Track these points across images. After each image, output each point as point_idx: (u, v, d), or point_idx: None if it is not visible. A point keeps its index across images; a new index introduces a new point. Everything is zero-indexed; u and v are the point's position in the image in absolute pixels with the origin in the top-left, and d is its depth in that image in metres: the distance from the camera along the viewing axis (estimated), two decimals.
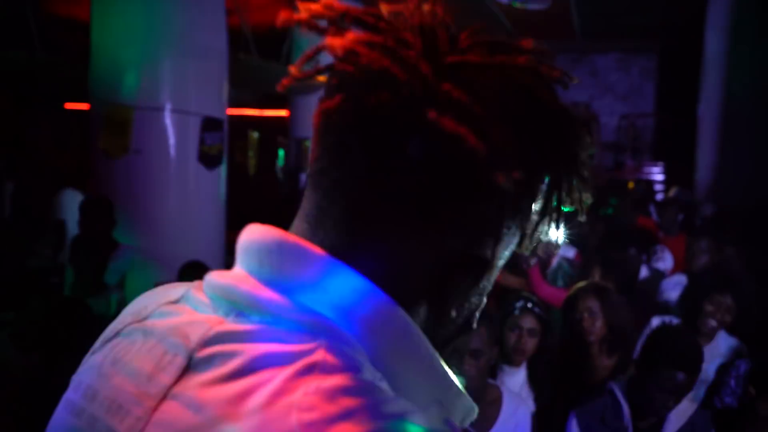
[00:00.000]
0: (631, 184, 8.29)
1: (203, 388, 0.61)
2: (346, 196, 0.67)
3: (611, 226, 5.92)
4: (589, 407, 2.92)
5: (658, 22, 10.75)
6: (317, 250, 0.66)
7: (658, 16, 10.28)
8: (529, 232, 0.72)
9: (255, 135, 5.84)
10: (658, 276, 4.96)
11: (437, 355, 0.69)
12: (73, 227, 4.51)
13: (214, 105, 5.02)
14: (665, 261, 5.22)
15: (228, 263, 5.29)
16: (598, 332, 3.24)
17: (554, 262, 4.64)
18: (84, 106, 5.34)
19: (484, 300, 0.75)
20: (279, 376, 0.59)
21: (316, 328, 0.62)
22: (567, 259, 4.69)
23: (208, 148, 4.89)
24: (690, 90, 9.75)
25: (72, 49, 5.73)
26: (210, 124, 4.89)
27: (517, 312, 3.17)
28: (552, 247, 4.42)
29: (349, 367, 0.60)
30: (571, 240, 4.66)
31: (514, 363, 3.18)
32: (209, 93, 5.01)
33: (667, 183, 10.58)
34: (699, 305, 3.63)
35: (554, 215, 0.72)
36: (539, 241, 0.73)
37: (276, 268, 0.67)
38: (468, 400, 0.73)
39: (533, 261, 4.43)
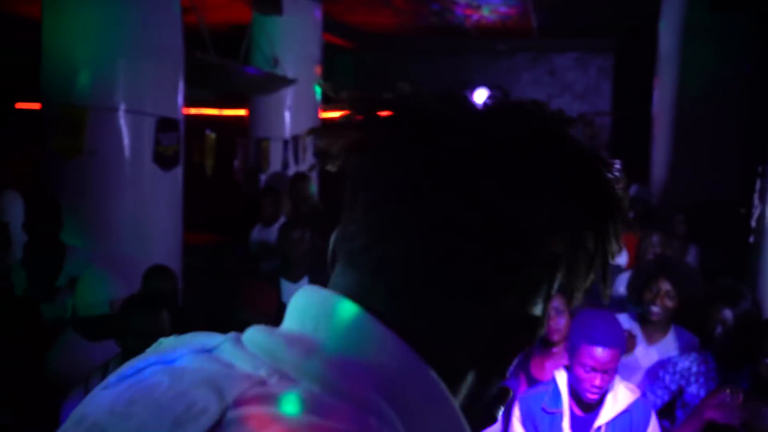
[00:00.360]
0: None
1: None
2: (397, 272, 0.65)
3: None
4: (531, 395, 2.99)
5: (614, 22, 10.91)
6: (379, 323, 0.63)
7: (613, 16, 10.43)
8: (579, 286, 0.72)
9: (212, 135, 5.78)
10: (615, 271, 5.03)
11: None
12: (14, 229, 4.42)
13: (170, 105, 4.96)
14: (621, 256, 5.30)
15: (185, 265, 5.25)
16: (563, 330, 3.28)
17: None
18: (35, 106, 5.25)
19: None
20: None
21: (366, 407, 0.59)
22: None
23: (164, 149, 4.83)
24: (645, 89, 9.90)
25: (23, 48, 5.63)
26: (165, 125, 4.84)
27: None
28: None
29: None
30: None
31: None
32: (165, 93, 4.95)
33: (624, 181, 10.72)
34: (641, 295, 3.71)
35: (602, 264, 0.72)
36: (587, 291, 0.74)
37: (333, 334, 0.64)
38: None
39: None
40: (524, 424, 2.97)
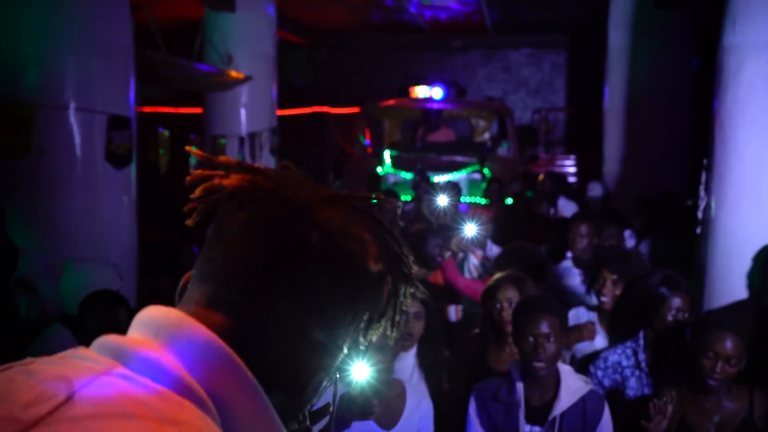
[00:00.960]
0: (540, 177, 8.51)
1: (73, 423, 0.67)
2: (242, 288, 0.80)
3: (522, 219, 6.07)
4: (486, 386, 3.03)
5: (565, 18, 11.07)
6: (208, 332, 0.77)
7: (563, 12, 10.58)
8: (374, 328, 0.88)
9: (165, 133, 5.72)
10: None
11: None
12: None
13: (121, 103, 4.90)
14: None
15: (141, 264, 5.19)
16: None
17: (460, 254, 4.71)
18: None
19: (332, 380, 0.90)
20: (146, 424, 0.67)
21: (189, 393, 0.72)
22: (474, 252, 4.79)
23: (116, 147, 4.77)
24: (597, 84, 10.07)
25: None
26: (117, 123, 4.77)
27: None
28: (465, 242, 4.49)
29: (209, 430, 0.71)
30: (482, 234, 4.76)
31: (404, 348, 3.26)
32: (115, 90, 4.88)
33: (579, 175, 10.91)
34: (591, 287, 3.79)
35: (394, 316, 0.90)
36: (376, 338, 0.90)
37: (170, 339, 0.77)
38: None
39: (447, 254, 4.49)
40: (479, 415, 3.00)
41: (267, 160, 8.56)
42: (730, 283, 4.17)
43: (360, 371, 2.64)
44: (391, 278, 0.86)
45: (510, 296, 3.40)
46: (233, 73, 7.75)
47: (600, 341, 3.80)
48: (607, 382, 3.39)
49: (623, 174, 8.43)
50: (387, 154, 10.12)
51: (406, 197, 8.84)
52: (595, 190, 7.74)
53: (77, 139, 4.66)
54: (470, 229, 4.38)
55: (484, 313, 3.47)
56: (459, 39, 12.44)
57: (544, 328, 2.86)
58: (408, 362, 3.30)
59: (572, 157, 11.32)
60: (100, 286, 3.37)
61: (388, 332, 0.90)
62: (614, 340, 3.60)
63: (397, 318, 0.90)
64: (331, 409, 1.00)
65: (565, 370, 2.99)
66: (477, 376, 3.38)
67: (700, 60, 8.33)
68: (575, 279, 4.64)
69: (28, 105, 4.53)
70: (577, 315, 3.91)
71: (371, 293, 0.85)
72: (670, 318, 3.31)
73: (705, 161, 4.54)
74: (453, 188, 7.30)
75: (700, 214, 4.61)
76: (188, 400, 0.72)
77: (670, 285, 3.35)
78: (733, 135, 4.18)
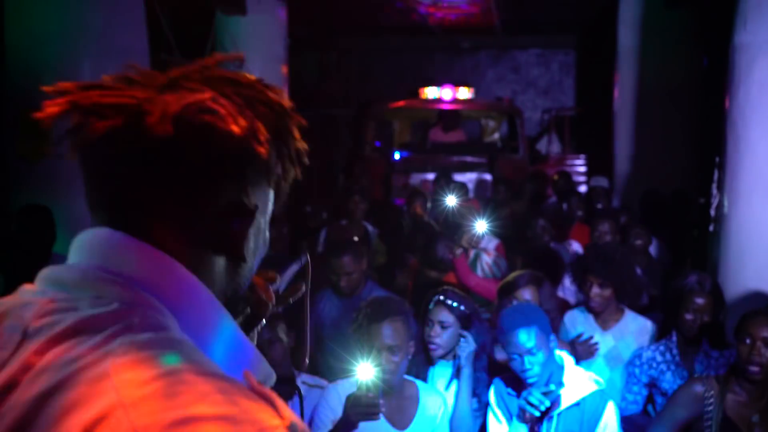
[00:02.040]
0: (555, 177, 8.51)
1: (35, 354, 0.75)
2: (131, 189, 0.84)
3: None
4: (505, 377, 3.05)
5: (574, 18, 11.08)
6: (130, 238, 0.83)
7: (572, 12, 10.59)
8: (276, 186, 0.93)
9: None
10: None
11: (236, 324, 0.88)
12: None
13: None
14: (575, 245, 5.40)
15: None
16: None
17: (471, 253, 4.72)
18: None
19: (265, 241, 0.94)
20: (99, 335, 0.74)
21: (134, 301, 0.79)
22: (485, 250, 4.80)
23: None
24: (607, 83, 10.07)
25: None
26: None
27: (431, 306, 3.22)
28: (476, 238, 4.50)
29: (159, 327, 0.77)
30: (493, 231, 4.78)
31: (434, 356, 3.23)
32: None
33: (589, 174, 10.91)
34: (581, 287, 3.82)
35: (288, 167, 0.93)
36: (286, 194, 0.95)
37: (101, 257, 0.83)
38: (266, 365, 0.89)
39: (459, 252, 4.49)
40: (499, 405, 3.04)
41: None
42: (743, 280, 4.19)
43: (364, 371, 2.65)
44: (260, 128, 0.86)
45: (528, 294, 3.44)
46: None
47: (598, 338, 3.78)
48: (644, 378, 3.49)
49: (633, 172, 8.44)
50: (397, 155, 10.16)
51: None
52: (600, 180, 7.80)
53: None
54: (481, 226, 4.38)
55: (499, 309, 3.49)
56: (468, 40, 12.45)
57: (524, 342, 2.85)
58: (449, 371, 3.26)
59: (582, 156, 11.32)
60: None
61: (288, 176, 0.93)
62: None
63: (290, 165, 0.92)
64: (303, 288, 1.08)
65: (571, 370, 2.98)
66: (494, 369, 3.40)
67: (710, 59, 8.34)
68: None
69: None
70: (572, 317, 3.92)
71: (245, 152, 0.85)
72: (689, 317, 3.36)
73: (717, 159, 4.55)
74: (461, 189, 7.32)
75: (712, 212, 4.63)
76: (139, 308, 0.79)
77: (695, 286, 3.41)
78: (746, 133, 4.20)
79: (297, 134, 0.93)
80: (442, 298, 3.22)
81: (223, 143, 0.83)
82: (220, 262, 0.88)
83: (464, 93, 10.93)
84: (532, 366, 2.82)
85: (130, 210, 0.84)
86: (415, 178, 9.47)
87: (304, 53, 12.04)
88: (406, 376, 2.97)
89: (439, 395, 3.06)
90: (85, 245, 0.85)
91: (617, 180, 8.64)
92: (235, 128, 0.83)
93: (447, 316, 3.19)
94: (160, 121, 0.80)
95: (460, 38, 12.32)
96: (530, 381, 2.85)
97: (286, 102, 0.91)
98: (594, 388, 2.94)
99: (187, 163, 0.83)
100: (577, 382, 2.93)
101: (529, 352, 2.82)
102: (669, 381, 3.44)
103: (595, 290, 3.68)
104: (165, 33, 5.95)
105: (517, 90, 13.35)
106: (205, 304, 0.84)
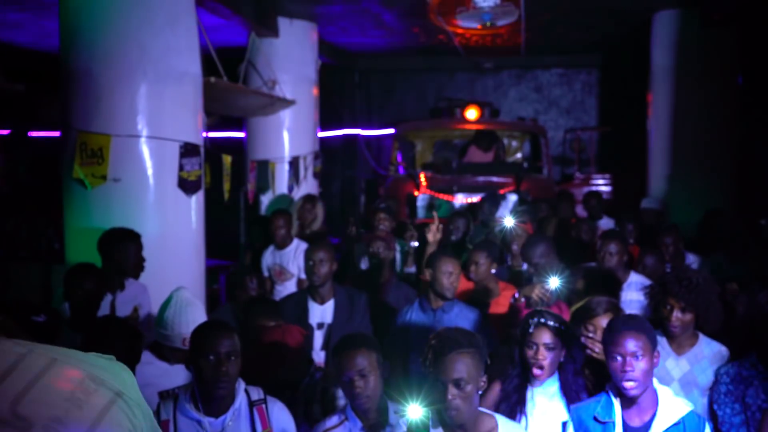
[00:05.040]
0: (587, 197, 8.45)
1: None
2: None
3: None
4: (584, 405, 3.04)
5: (599, 39, 11.10)
6: None
7: (599, 33, 10.61)
8: None
9: (229, 158, 5.75)
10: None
11: None
12: None
13: (191, 130, 4.95)
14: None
15: (209, 290, 5.21)
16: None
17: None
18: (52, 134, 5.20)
19: None
20: None
21: None
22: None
23: (187, 174, 4.82)
24: (634, 103, 10.07)
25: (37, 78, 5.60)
26: (188, 150, 4.82)
27: (531, 329, 3.24)
28: (547, 295, 4.41)
29: None
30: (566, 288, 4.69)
31: (536, 379, 3.23)
32: (186, 118, 4.94)
33: (615, 194, 10.90)
34: (659, 312, 3.77)
35: None
36: None
37: None
38: None
39: (522, 300, 4.46)
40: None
41: (311, 184, 8.62)
42: None
43: (414, 411, 2.60)
44: None
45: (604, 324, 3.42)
46: (281, 98, 7.82)
47: (672, 363, 3.77)
48: (737, 393, 3.44)
49: (669, 192, 8.42)
50: (422, 176, 10.16)
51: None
52: (651, 202, 7.80)
53: (150, 167, 4.71)
54: (554, 282, 4.38)
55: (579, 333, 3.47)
56: (490, 60, 12.48)
57: (632, 347, 2.86)
58: (550, 391, 3.26)
59: (607, 176, 11.30)
60: (195, 317, 3.38)
61: None
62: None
63: None
64: None
65: (663, 390, 2.99)
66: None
67: (745, 77, 8.34)
68: (638, 297, 4.63)
69: (102, 134, 4.59)
70: None
71: None
72: None
73: None
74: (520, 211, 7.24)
75: None
76: None
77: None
78: None
79: None
80: (543, 320, 3.25)
81: None
82: None
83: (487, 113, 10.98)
84: (633, 369, 2.84)
85: None
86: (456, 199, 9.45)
87: (326, 73, 12.08)
88: (484, 410, 2.93)
89: (520, 428, 3.04)
90: None
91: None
92: None
93: (550, 338, 3.20)
94: None
95: (482, 58, 12.35)
96: (628, 385, 2.85)
97: None
98: (690, 407, 2.96)
99: None
100: (673, 403, 2.94)
101: (634, 355, 2.84)
102: (752, 396, 3.40)
103: (677, 314, 3.64)
104: (211, 56, 5.97)
105: (539, 109, 13.36)
106: None
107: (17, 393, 0.86)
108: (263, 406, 3.00)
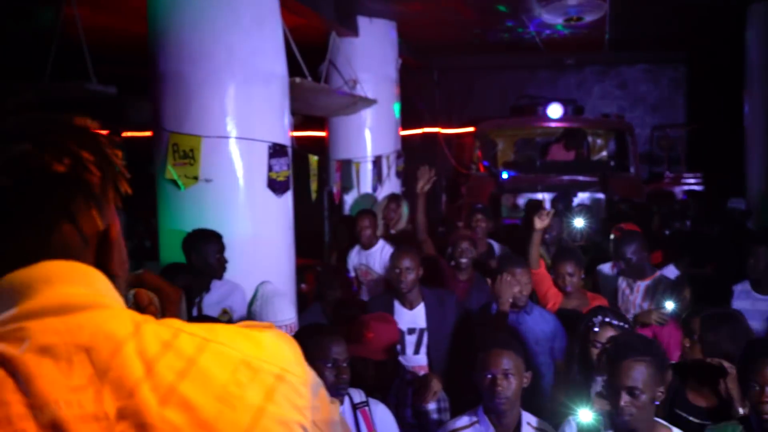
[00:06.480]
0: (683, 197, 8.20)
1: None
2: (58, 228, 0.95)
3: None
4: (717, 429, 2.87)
5: (686, 34, 10.70)
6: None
7: (687, 28, 10.23)
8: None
9: (315, 158, 5.77)
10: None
11: None
12: None
13: (279, 130, 4.97)
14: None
15: (298, 290, 5.22)
16: None
17: (650, 280, 4.60)
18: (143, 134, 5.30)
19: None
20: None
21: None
22: (665, 277, 4.64)
23: (276, 175, 4.83)
24: (726, 100, 9.69)
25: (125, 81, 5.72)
26: (276, 150, 4.84)
27: (596, 329, 3.24)
28: (665, 317, 4.32)
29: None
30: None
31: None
32: (273, 118, 4.95)
33: (707, 193, 10.49)
34: None
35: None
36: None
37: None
38: None
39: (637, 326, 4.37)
40: None
41: (394, 183, 8.59)
42: None
43: (585, 416, 2.65)
44: (80, 166, 0.94)
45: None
46: (363, 98, 7.81)
47: None
48: None
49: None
50: (505, 175, 10.00)
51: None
52: (737, 202, 7.51)
53: (240, 168, 4.74)
54: (669, 306, 4.31)
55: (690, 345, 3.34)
56: (572, 56, 12.20)
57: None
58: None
59: (698, 174, 10.90)
60: (282, 307, 3.38)
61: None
62: None
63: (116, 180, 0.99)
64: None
65: None
66: (675, 407, 3.25)
67: None
68: (753, 304, 4.43)
69: (193, 135, 4.65)
70: None
71: (72, 185, 0.94)
72: None
73: None
74: (585, 210, 7.13)
75: None
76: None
77: None
78: None
79: (111, 151, 1.00)
80: (607, 319, 3.25)
81: (46, 180, 0.92)
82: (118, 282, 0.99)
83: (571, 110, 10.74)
84: None
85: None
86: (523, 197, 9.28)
87: (405, 71, 12.05)
88: (660, 420, 2.80)
89: None
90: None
91: (750, 200, 8.25)
92: (58, 168, 0.93)
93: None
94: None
95: (564, 55, 12.08)
96: None
97: (92, 124, 1.00)
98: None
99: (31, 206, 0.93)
100: None
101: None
102: None
103: None
104: (295, 57, 5.99)
105: (624, 106, 12.98)
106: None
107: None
108: (366, 408, 2.96)
